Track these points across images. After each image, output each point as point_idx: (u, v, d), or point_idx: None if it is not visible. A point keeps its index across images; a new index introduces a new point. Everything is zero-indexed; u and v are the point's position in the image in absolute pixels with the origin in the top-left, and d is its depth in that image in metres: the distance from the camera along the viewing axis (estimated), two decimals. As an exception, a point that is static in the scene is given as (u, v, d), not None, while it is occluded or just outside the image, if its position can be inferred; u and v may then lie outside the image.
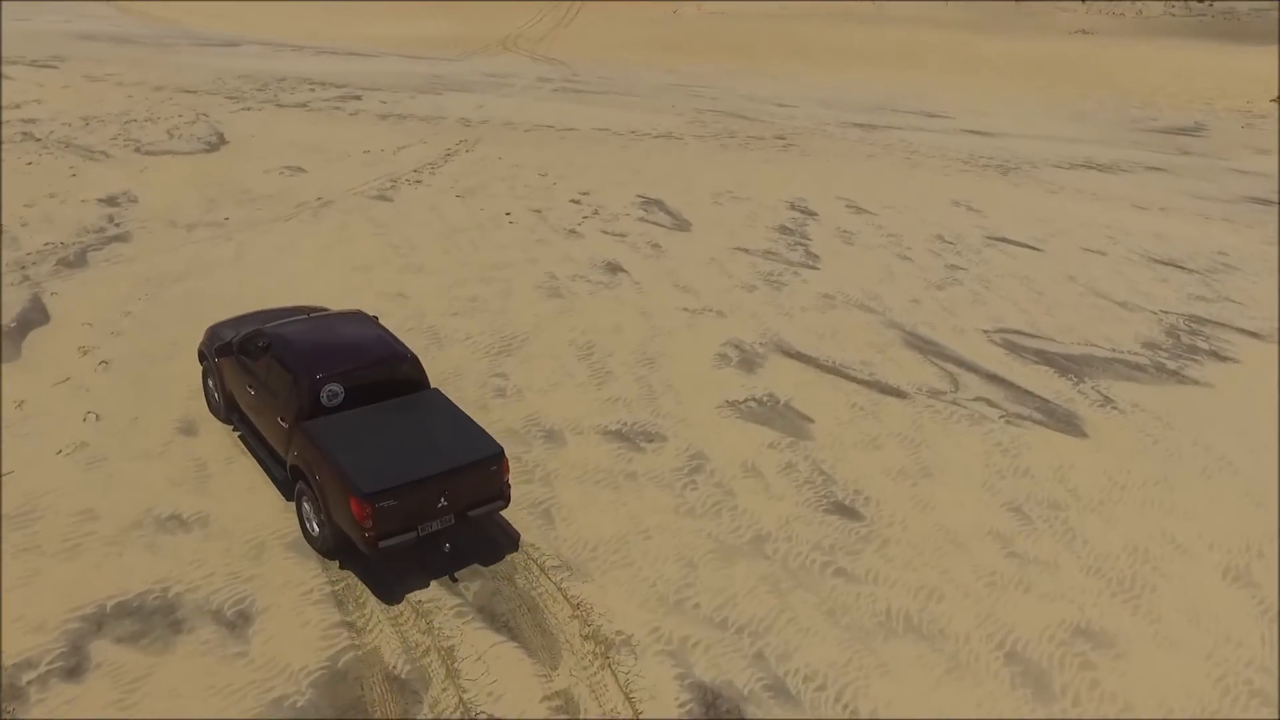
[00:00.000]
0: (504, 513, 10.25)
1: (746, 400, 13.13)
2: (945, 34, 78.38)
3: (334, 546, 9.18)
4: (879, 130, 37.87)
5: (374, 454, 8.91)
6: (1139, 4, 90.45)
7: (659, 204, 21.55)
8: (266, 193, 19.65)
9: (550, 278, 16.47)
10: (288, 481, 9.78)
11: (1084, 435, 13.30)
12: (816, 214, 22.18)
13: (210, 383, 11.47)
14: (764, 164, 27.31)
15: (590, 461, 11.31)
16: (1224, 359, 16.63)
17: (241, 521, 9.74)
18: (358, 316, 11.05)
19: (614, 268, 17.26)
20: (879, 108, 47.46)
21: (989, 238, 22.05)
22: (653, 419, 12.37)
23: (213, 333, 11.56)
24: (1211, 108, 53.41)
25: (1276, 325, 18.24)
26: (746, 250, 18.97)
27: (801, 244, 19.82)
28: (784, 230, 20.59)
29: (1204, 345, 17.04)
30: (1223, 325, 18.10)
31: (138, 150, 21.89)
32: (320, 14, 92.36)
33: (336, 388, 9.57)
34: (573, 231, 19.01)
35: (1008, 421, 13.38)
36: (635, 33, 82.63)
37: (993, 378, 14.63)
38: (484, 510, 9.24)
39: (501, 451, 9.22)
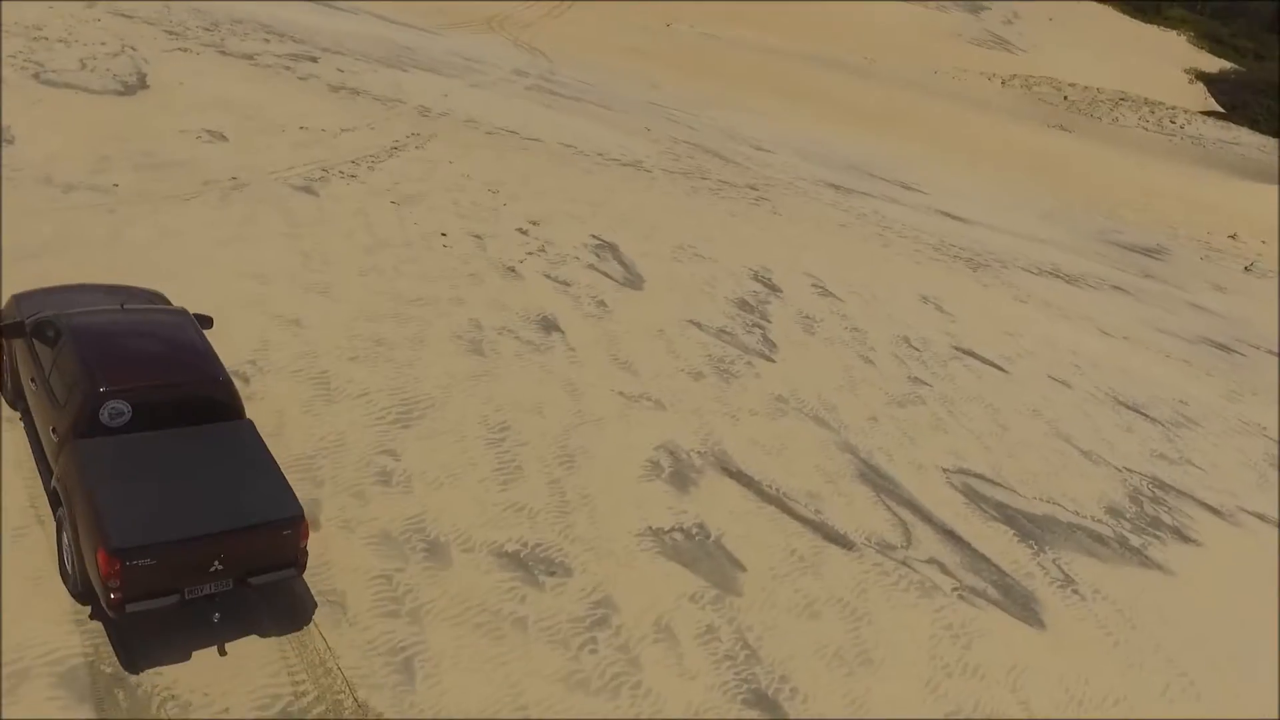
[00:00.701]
0: (355, 660, 8.15)
1: (673, 530, 11.21)
2: (924, 103, 78.03)
3: (85, 591, 7.65)
4: (854, 195, 36.49)
5: (143, 497, 7.56)
6: (1115, 112, 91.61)
7: (614, 250, 19.54)
8: (174, 159, 17.12)
9: (474, 326, 14.35)
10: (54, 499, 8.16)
11: (1041, 625, 11.73)
12: (780, 290, 20.42)
13: (2, 359, 9.81)
14: (732, 217, 25.52)
15: (475, 594, 9.25)
16: (1186, 539, 15.34)
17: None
18: (179, 318, 9.58)
19: (550, 325, 15.20)
20: (855, 168, 46.24)
21: (956, 349, 20.57)
22: (560, 541, 10.36)
23: (15, 302, 9.93)
24: (1174, 232, 53.56)
25: (1235, 502, 17.12)
26: (700, 325, 17.08)
27: (760, 326, 18.01)
28: (744, 306, 18.76)
29: (1167, 519, 15.72)
30: (1185, 495, 16.85)
31: (36, 77, 19.10)
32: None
33: (122, 405, 8.17)
34: (512, 270, 16.89)
35: (961, 596, 11.71)
36: (625, 39, 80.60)
37: (949, 535, 12.97)
38: (271, 578, 7.94)
39: (300, 515, 7.94)
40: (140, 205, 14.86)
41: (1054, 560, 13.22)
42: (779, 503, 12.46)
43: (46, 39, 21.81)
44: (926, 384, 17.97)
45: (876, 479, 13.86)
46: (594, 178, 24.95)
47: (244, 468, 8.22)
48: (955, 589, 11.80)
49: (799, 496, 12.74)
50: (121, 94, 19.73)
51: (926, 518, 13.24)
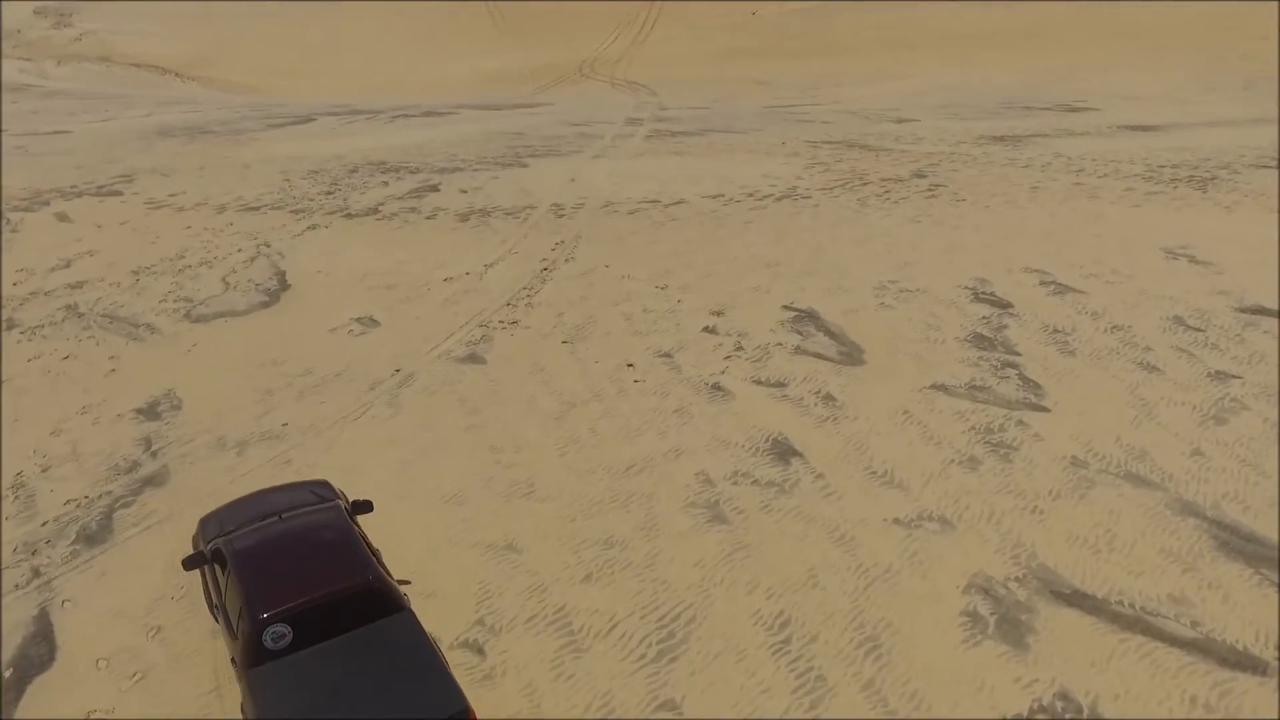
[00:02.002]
0: None
1: (1032, 714, 8.74)
2: (1058, 4, 71.37)
3: None
4: (1024, 143, 32.62)
5: None
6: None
7: (814, 318, 17.18)
8: (332, 369, 16.06)
9: (705, 483, 12.32)
10: None
11: None
12: (1010, 304, 17.48)
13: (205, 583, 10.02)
14: (916, 224, 22.65)
15: None
16: None
17: None
18: (331, 516, 9.65)
19: (784, 450, 13.00)
20: (1009, 105, 41.98)
21: (1241, 310, 17.03)
22: (909, 783, 8.11)
23: (201, 527, 10.29)
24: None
25: None
26: (946, 389, 14.47)
27: (1011, 363, 15.21)
28: (981, 342, 16.00)
29: None
30: None
31: (188, 316, 18.61)
32: (392, 52, 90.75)
33: (283, 629, 8.43)
34: (717, 387, 14.82)
35: None
36: (716, 42, 78.12)
37: (1374, 603, 9.89)
38: None
39: (464, 709, 7.81)
40: (313, 442, 13.72)
41: None
42: (1143, 626, 9.76)
43: (190, 266, 21.59)
44: (1235, 376, 14.68)
45: (1243, 545, 10.90)
46: (756, 228, 22.67)
47: (405, 667, 8.20)
48: None
49: (1163, 607, 9.99)
50: (267, 305, 19.04)
51: (1334, 584, 10.19)
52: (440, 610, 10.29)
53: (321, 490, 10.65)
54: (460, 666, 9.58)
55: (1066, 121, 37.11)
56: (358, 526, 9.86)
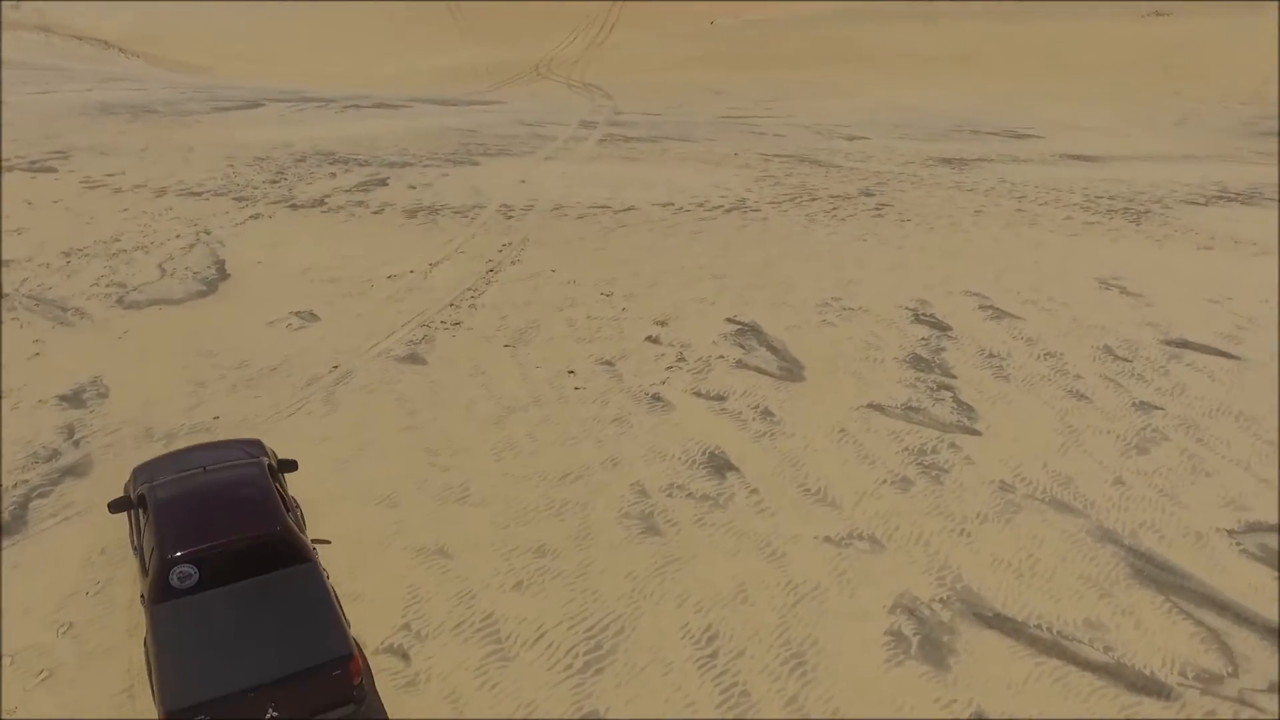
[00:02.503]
0: None
1: (953, 736, 8.90)
2: (998, 28, 73.00)
3: None
4: (971, 168, 33.28)
5: (198, 657, 8.25)
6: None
7: (756, 332, 17.30)
8: (269, 362, 15.76)
9: (639, 494, 12.33)
10: None
11: None
12: (949, 327, 17.80)
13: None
14: (862, 242, 22.95)
15: None
16: None
17: None
18: (253, 471, 10.16)
19: (720, 464, 13.07)
20: (958, 129, 42.79)
21: (1167, 343, 17.55)
22: (827, 802, 8.20)
23: (133, 475, 10.66)
24: (1331, 99, 47.76)
25: None
26: (882, 409, 14.68)
27: (947, 387, 15.48)
28: (919, 363, 16.26)
29: None
30: None
31: (120, 302, 18.13)
32: (350, 43, 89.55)
33: (189, 569, 8.92)
34: (656, 398, 14.85)
35: (1340, 736, 9.04)
36: (674, 49, 78.39)
37: (1276, 635, 10.25)
38: (330, 716, 8.38)
39: (349, 654, 8.37)
40: (246, 436, 13.42)
41: None
42: (1058, 649, 10.00)
43: (125, 250, 21.01)
44: (1158, 407, 15.12)
45: (1157, 573, 11.23)
46: (704, 239, 22.78)
47: (299, 613, 8.69)
48: (1328, 725, 9.12)
49: (1078, 632, 10.24)
50: (205, 294, 18.63)
51: (1241, 617, 10.56)
52: (367, 614, 10.16)
53: (251, 448, 11.06)
54: (384, 672, 9.48)
55: (1012, 147, 37.94)
56: (280, 483, 10.46)
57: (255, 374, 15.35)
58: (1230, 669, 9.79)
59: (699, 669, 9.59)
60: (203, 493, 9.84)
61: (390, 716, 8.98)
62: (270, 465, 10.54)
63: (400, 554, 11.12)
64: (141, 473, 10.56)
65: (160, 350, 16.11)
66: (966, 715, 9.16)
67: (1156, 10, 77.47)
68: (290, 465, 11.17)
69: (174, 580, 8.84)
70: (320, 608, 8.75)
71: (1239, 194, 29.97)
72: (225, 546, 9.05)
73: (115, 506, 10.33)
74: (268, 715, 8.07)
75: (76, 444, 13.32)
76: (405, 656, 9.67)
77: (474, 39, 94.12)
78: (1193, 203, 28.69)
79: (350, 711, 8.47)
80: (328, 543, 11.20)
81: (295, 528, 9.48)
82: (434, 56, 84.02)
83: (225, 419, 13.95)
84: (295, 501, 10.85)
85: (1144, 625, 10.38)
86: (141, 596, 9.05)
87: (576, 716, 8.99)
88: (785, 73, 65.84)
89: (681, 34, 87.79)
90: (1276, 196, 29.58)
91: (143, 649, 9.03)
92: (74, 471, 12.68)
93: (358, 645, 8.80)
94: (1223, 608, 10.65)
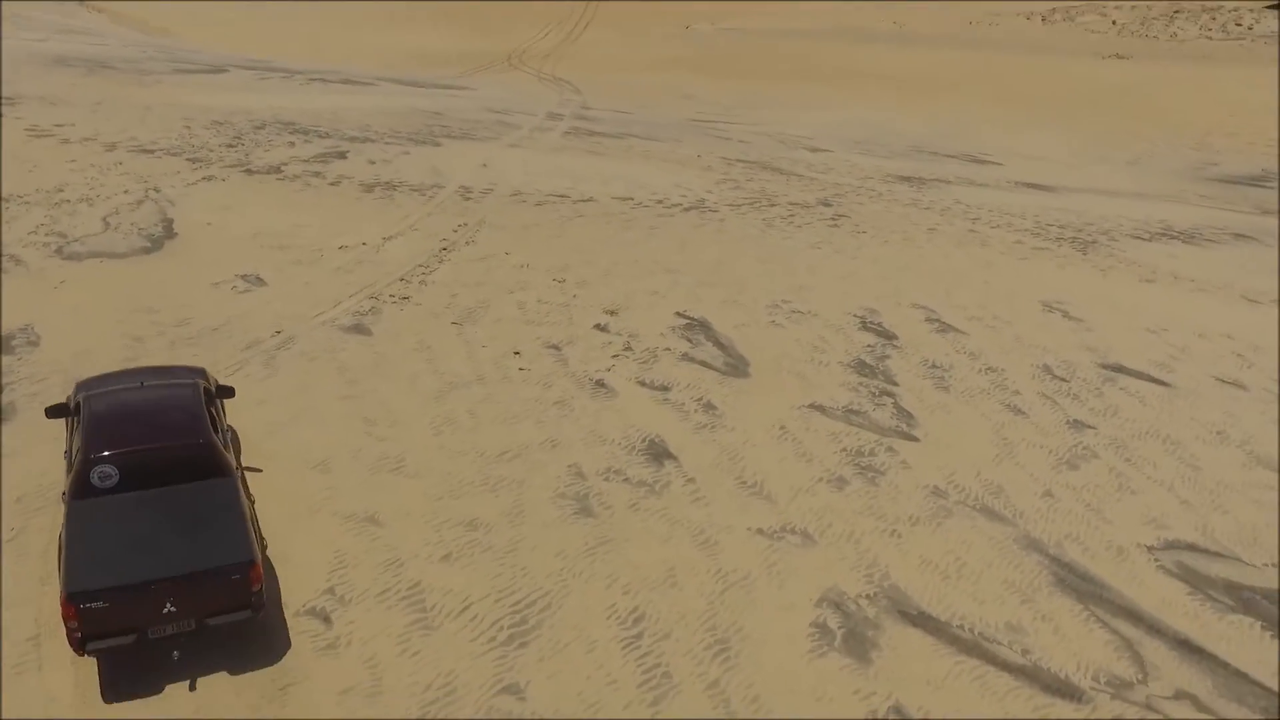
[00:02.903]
0: None
1: (869, 727, 9.01)
2: (966, 58, 74.30)
3: None
4: (929, 187, 33.78)
5: (105, 548, 8.60)
6: (1172, 27, 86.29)
7: (705, 328, 17.37)
8: (210, 323, 15.47)
9: (576, 476, 12.31)
10: None
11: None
12: (896, 337, 18.03)
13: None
14: (816, 250, 23.17)
15: None
16: None
17: None
18: (187, 390, 10.47)
19: (659, 452, 13.10)
20: (919, 150, 43.41)
21: (1103, 366, 17.94)
22: (738, 785, 8.25)
23: (76, 388, 10.84)
24: (1277, 150, 49.26)
25: None
26: (823, 409, 14.82)
27: (888, 393, 15.68)
28: (863, 369, 16.45)
29: None
30: None
31: (59, 252, 17.68)
32: (322, 20, 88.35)
33: (109, 469, 9.25)
34: (601, 384, 14.84)
35: (1237, 744, 9.30)
36: (648, 51, 78.58)
37: (1186, 648, 10.52)
38: (226, 619, 8.68)
39: (250, 560, 8.71)
40: (181, 395, 13.15)
41: (1327, 653, 10.66)
42: (978, 650, 10.16)
43: (69, 201, 20.50)
44: (1090, 426, 15.44)
45: (1078, 583, 11.46)
46: (660, 235, 22.83)
47: (210, 520, 8.99)
48: (1228, 734, 9.38)
49: (998, 634, 10.42)
50: (149, 251, 18.24)
51: (1153, 628, 10.81)
52: (291, 576, 10.02)
53: (193, 373, 11.35)
54: (303, 635, 9.35)
55: (969, 171, 38.59)
56: (216, 407, 10.81)
57: (196, 333, 15.06)
58: (1140, 676, 10.02)
59: (623, 649, 9.59)
60: (134, 404, 10.20)
61: (307, 679, 8.85)
62: (206, 388, 10.81)
63: (329, 519, 10.98)
64: (83, 386, 10.84)
65: (98, 303, 15.74)
66: (884, 709, 9.27)
67: (1117, 53, 79.47)
68: (228, 391, 11.44)
69: (94, 479, 9.15)
70: (230, 517, 9.08)
71: (1181, 232, 30.77)
72: (146, 452, 9.35)
73: (52, 412, 10.69)
74: (165, 609, 8.36)
75: (0, 390, 12.94)
76: (327, 620, 9.55)
77: (447, 24, 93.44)
78: (1138, 237, 29.40)
79: (246, 617, 8.73)
80: (259, 470, 11.60)
81: (218, 444, 9.74)
82: (400, 35, 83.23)
83: (160, 375, 13.64)
84: (230, 427, 11.52)
85: (1062, 631, 10.58)
86: (63, 494, 9.33)
87: (496, 688, 8.94)
88: (755, 83, 66.27)
89: (656, 36, 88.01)
90: (1215, 238, 30.45)
91: (57, 545, 9.29)
92: (-3, 417, 12.32)
93: (263, 556, 9.32)
94: (1137, 619, 10.91)
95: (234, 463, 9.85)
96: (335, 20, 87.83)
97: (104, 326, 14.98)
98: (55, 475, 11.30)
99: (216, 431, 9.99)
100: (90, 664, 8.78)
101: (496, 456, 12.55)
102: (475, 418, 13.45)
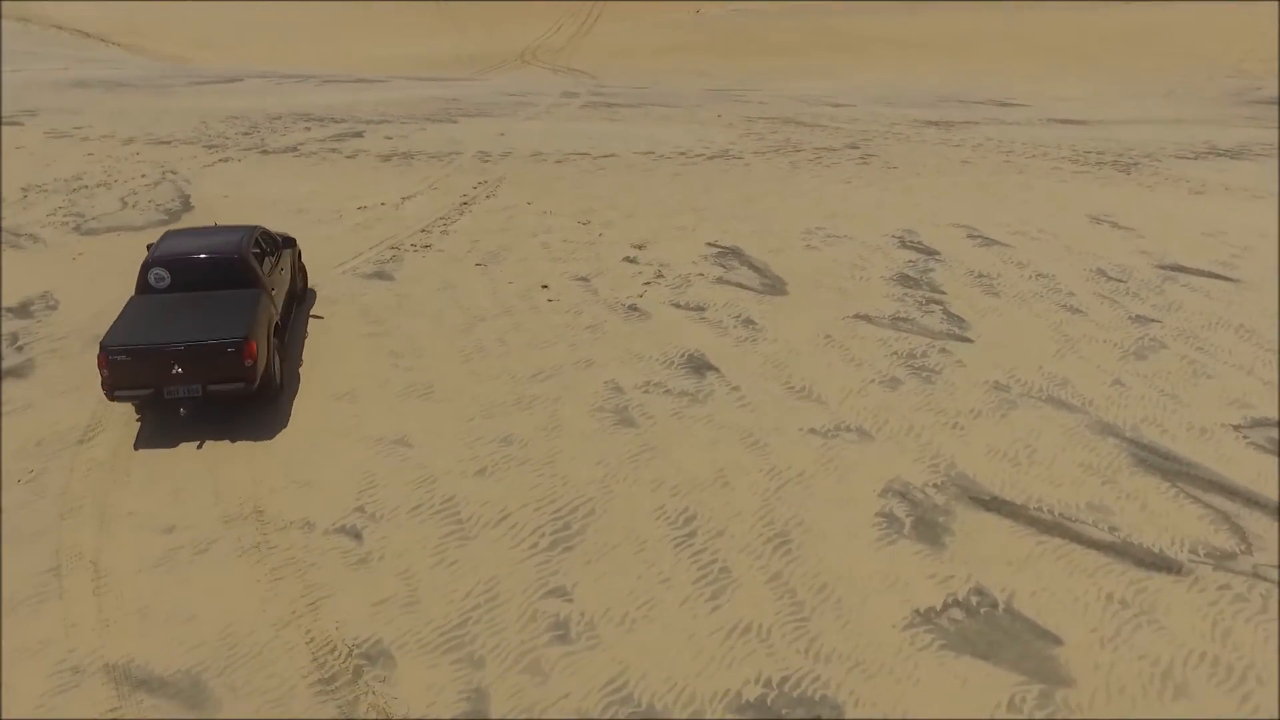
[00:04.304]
0: None
1: (947, 607, 8.27)
2: (983, 16, 72.80)
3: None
4: (957, 128, 32.77)
5: (141, 324, 10.70)
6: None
7: (738, 254, 16.68)
8: (230, 280, 15.01)
9: (614, 390, 11.67)
10: None
11: None
12: (938, 252, 17.21)
13: None
14: (847, 184, 22.37)
15: (726, 786, 6.52)
16: None
17: None
18: (245, 231, 12.46)
19: (700, 364, 12.42)
20: (944, 100, 42.31)
21: (1161, 267, 17.00)
22: (811, 667, 7.55)
23: (164, 234, 12.85)
24: (1318, 73, 47.44)
25: None
26: (869, 318, 14.06)
27: (936, 301, 14.88)
28: (906, 281, 15.66)
29: None
30: None
31: (77, 229, 17.40)
32: (332, 37, 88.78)
33: (162, 272, 11.50)
34: (633, 308, 14.19)
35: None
36: (659, 38, 77.85)
37: (1291, 518, 9.65)
38: (225, 389, 10.34)
39: (244, 338, 10.31)
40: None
41: None
42: (1061, 529, 9.38)
43: (86, 187, 20.26)
44: (1155, 320, 14.54)
45: (1161, 462, 10.62)
46: (685, 180, 22.16)
47: (227, 312, 10.89)
48: (1347, 598, 8.51)
49: (1081, 514, 9.63)
50: (166, 222, 17.89)
51: (1250, 499, 9.96)
52: (318, 498, 9.49)
53: (258, 228, 13.01)
54: (333, 551, 8.79)
55: (998, 113, 37.49)
56: (279, 254, 13.02)
57: (213, 289, 14.60)
58: (1244, 546, 9.19)
59: (675, 547, 8.93)
60: (197, 232, 12.87)
61: (339, 593, 8.29)
62: (264, 232, 12.86)
63: (357, 443, 10.44)
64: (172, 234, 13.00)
65: (116, 269, 15.34)
66: (964, 591, 8.53)
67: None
68: (290, 241, 13.85)
69: (151, 279, 11.46)
70: (243, 310, 10.90)
71: (1228, 150, 29.55)
72: (191, 258, 11.59)
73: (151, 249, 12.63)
74: (174, 370, 10.15)
75: (20, 349, 12.59)
76: (358, 536, 8.99)
77: (456, 28, 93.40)
78: (1182, 157, 28.23)
79: (241, 389, 10.35)
80: (320, 318, 13.62)
81: (251, 259, 11.72)
82: (410, 46, 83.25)
83: (178, 327, 13.21)
84: (302, 267, 14.30)
85: (1150, 508, 9.77)
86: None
87: (541, 592, 8.32)
88: (770, 59, 65.28)
89: (666, 23, 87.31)
90: (1265, 153, 29.18)
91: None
92: (15, 373, 11.95)
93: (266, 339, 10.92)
94: (1232, 493, 10.06)
95: (264, 277, 11.77)
96: (341, 32, 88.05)
97: (122, 289, 14.51)
98: (73, 422, 10.89)
99: (263, 267, 11.96)
100: (111, 592, 8.30)
101: (529, 378, 11.94)
102: (504, 345, 12.87)
